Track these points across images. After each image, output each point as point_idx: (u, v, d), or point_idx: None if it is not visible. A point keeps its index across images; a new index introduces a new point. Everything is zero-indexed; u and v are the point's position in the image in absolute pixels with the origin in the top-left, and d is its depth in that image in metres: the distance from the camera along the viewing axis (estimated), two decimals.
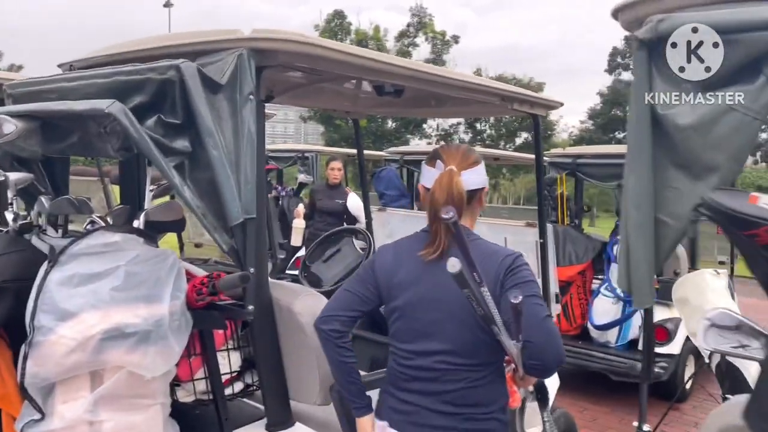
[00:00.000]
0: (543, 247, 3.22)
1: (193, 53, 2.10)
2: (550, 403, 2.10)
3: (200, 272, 2.35)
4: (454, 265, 1.50)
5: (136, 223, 2.13)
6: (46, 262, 1.95)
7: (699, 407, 5.32)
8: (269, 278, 2.37)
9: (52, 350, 1.83)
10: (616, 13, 1.59)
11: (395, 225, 4.40)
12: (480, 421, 1.83)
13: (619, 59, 34.50)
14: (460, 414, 1.81)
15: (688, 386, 5.44)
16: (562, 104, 3.35)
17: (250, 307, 2.06)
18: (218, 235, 1.99)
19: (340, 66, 2.27)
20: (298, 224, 5.69)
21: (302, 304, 2.32)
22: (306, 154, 8.55)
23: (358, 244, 3.55)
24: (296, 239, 5.63)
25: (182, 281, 2.04)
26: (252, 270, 2.03)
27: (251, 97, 2.00)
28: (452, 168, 1.83)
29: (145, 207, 2.25)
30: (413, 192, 7.91)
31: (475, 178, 1.89)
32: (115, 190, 5.98)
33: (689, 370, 5.49)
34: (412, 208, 7.62)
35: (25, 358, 1.85)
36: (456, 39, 31.48)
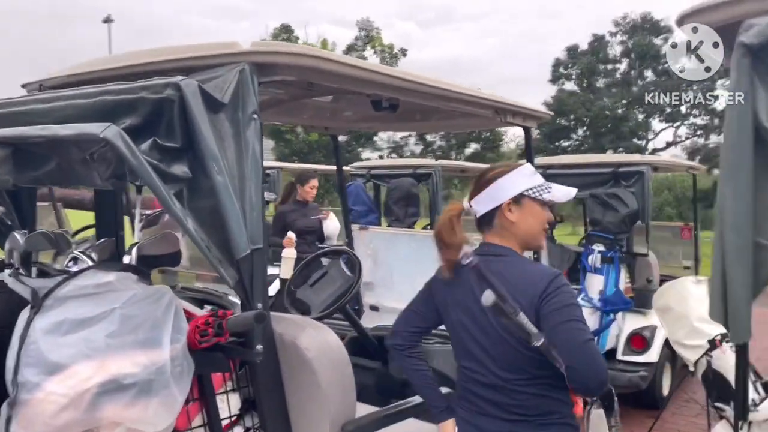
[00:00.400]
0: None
1: (186, 69, 1.91)
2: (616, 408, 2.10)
3: (194, 309, 2.15)
4: (488, 297, 1.61)
5: (127, 259, 1.91)
6: (28, 308, 1.72)
7: (678, 414, 5.32)
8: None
9: (40, 409, 1.61)
10: (681, 20, 1.49)
11: (378, 244, 4.26)
12: (555, 425, 1.85)
13: (561, 69, 35.37)
14: (533, 421, 1.83)
15: (665, 393, 5.44)
16: (552, 114, 3.30)
17: (259, 347, 1.87)
18: (224, 269, 1.80)
19: (343, 79, 2.13)
20: (289, 254, 4.79)
21: (309, 338, 2.14)
22: (268, 171, 8.30)
23: (346, 266, 3.35)
24: (286, 271, 4.66)
25: (182, 321, 1.85)
26: (260, 305, 1.85)
27: (255, 116, 1.83)
28: (449, 207, 1.94)
29: (136, 239, 2.03)
30: (381, 207, 7.77)
31: (482, 200, 1.91)
32: (69, 215, 5.62)
33: (666, 377, 5.50)
34: (380, 224, 7.49)
35: (9, 420, 1.62)
36: (404, 52, 31.64)
